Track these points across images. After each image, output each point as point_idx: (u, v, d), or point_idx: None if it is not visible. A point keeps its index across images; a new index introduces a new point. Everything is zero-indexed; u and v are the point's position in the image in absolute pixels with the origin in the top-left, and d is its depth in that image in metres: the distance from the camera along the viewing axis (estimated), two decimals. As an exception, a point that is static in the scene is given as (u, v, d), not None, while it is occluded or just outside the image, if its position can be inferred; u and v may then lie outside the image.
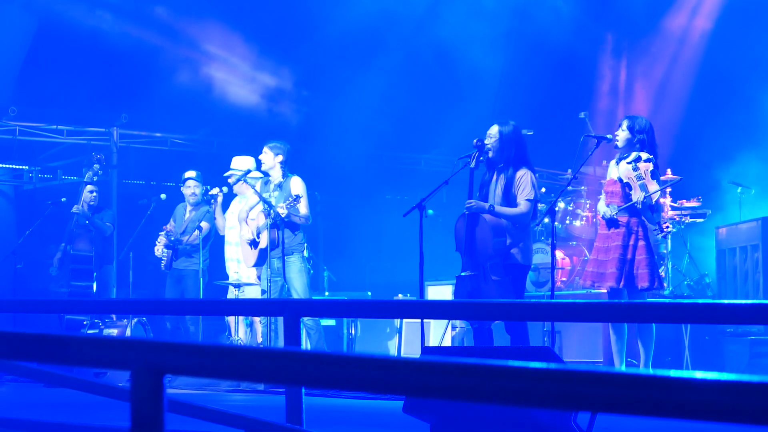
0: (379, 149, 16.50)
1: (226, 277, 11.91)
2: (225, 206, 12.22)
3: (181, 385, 9.93)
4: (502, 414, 5.34)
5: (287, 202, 10.61)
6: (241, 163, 11.71)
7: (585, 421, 5.33)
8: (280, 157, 11.03)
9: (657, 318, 5.26)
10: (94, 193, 12.47)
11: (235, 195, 12.01)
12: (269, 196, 10.93)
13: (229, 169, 11.82)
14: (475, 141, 8.95)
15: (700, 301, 8.95)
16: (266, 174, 11.21)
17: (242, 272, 11.64)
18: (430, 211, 11.78)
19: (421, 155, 16.89)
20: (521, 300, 8.31)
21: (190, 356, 2.03)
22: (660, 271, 12.14)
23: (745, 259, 11.63)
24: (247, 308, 6.44)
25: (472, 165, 8.97)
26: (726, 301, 8.55)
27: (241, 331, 11.63)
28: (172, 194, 12.85)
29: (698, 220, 12.61)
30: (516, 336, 8.64)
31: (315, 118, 15.15)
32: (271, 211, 10.67)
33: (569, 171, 12.21)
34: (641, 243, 8.64)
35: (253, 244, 11.04)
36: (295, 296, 10.71)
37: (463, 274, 8.95)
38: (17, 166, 15.55)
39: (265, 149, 11.11)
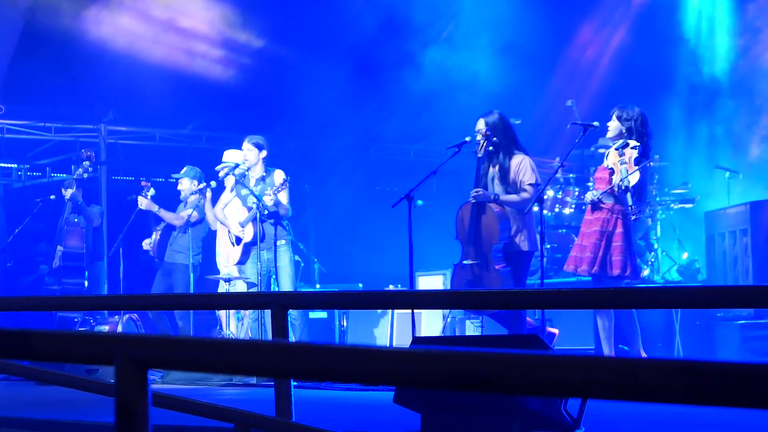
0: (368, 140, 16.51)
1: (218, 271, 11.91)
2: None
3: (173, 380, 9.94)
4: (492, 403, 5.35)
5: (274, 188, 10.67)
6: (232, 156, 11.68)
7: (575, 408, 5.34)
8: (264, 152, 11.06)
9: (647, 303, 5.26)
10: (72, 190, 12.39)
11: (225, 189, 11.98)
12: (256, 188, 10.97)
13: (219, 162, 11.81)
14: (483, 130, 9.00)
15: (690, 285, 8.99)
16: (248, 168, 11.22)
17: (232, 266, 11.62)
18: (420, 202, 11.78)
19: (410, 146, 16.90)
20: (509, 289, 8.31)
21: (174, 350, 2.03)
22: (649, 258, 12.21)
23: (734, 244, 11.65)
24: (234, 302, 6.43)
25: (480, 154, 9.03)
26: (716, 286, 8.58)
27: (232, 325, 11.62)
28: (161, 190, 12.84)
29: (687, 206, 12.65)
30: (514, 324, 8.68)
31: (304, 110, 15.13)
32: (258, 204, 10.74)
33: (557, 159, 12.23)
34: (618, 230, 8.64)
35: (237, 241, 11.06)
36: (283, 287, 10.74)
37: (465, 262, 8.97)
38: (6, 165, 15.54)
39: (248, 145, 11.09)
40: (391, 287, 13.50)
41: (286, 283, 10.85)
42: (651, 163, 8.83)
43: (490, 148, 8.97)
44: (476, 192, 8.87)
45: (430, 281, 13.11)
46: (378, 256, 14.83)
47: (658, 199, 12.37)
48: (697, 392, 1.52)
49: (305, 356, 1.94)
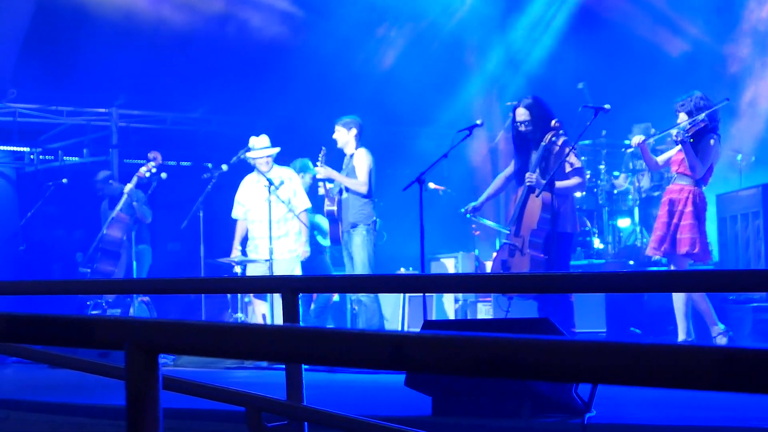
0: (379, 123, 16.46)
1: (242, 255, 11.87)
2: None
3: (185, 363, 9.97)
4: (503, 386, 5.35)
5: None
6: (256, 142, 11.67)
7: (586, 391, 5.34)
8: (354, 131, 11.09)
9: (659, 287, 5.25)
10: (131, 185, 12.33)
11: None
12: (344, 170, 11.07)
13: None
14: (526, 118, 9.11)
15: (703, 269, 8.96)
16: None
17: (274, 248, 11.47)
18: (431, 185, 11.78)
19: (420, 129, 16.85)
20: (518, 273, 8.33)
21: (183, 335, 2.03)
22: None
23: (746, 227, 11.61)
24: (245, 285, 6.44)
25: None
26: (728, 270, 8.56)
27: (262, 307, 11.54)
28: (172, 173, 12.86)
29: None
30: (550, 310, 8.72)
31: (314, 93, 15.10)
32: (271, 188, 10.87)
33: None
34: (688, 209, 8.79)
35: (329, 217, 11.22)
36: (354, 270, 10.74)
37: (504, 241, 9.15)
38: (18, 149, 15.56)
39: (337, 126, 11.16)
40: (402, 270, 13.51)
41: (354, 267, 10.84)
42: (714, 137, 8.88)
43: (528, 131, 9.06)
44: (530, 178, 8.90)
45: (442, 264, 13.12)
46: (389, 239, 14.84)
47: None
48: (707, 377, 1.51)
49: (313, 341, 1.94)
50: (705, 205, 8.98)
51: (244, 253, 11.56)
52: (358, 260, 10.78)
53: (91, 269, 12.22)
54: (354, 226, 10.83)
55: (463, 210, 9.52)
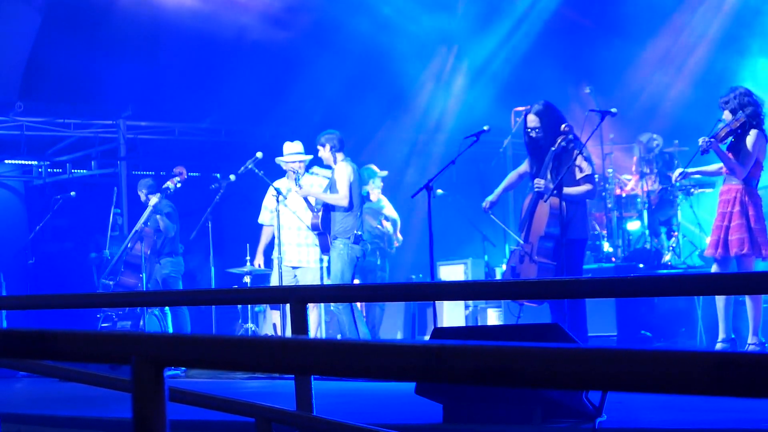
0: (386, 130, 16.48)
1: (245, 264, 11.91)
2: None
3: (196, 374, 9.97)
4: (514, 392, 5.34)
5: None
6: (290, 148, 11.67)
7: (597, 396, 5.33)
8: (328, 146, 11.10)
9: (670, 290, 5.22)
10: (155, 199, 12.31)
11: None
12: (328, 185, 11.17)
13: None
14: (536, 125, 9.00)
15: (712, 272, 8.94)
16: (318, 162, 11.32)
17: (302, 257, 11.54)
18: (439, 191, 11.79)
19: (428, 135, 16.84)
20: (527, 279, 8.30)
21: (189, 348, 2.03)
22: (671, 243, 12.15)
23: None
24: (253, 296, 6.43)
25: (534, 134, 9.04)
26: (741, 272, 8.52)
27: (274, 317, 11.63)
28: (183, 182, 12.87)
29: (707, 190, 12.57)
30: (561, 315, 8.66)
31: (322, 101, 15.12)
32: (279, 197, 10.90)
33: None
34: (737, 209, 8.71)
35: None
36: (328, 281, 10.82)
37: (514, 247, 9.11)
38: (26, 162, 15.60)
39: (318, 145, 11.20)
40: (413, 277, 13.51)
41: (329, 277, 10.98)
42: (755, 132, 8.79)
43: (539, 137, 8.95)
44: (538, 184, 8.82)
45: (451, 271, 13.10)
46: (399, 246, 14.87)
47: (677, 184, 12.30)
48: (718, 383, 1.51)
49: (319, 353, 1.94)
50: (757, 200, 8.83)
51: (268, 259, 11.63)
52: (332, 272, 10.97)
53: (114, 282, 12.25)
54: (335, 238, 10.97)
55: (483, 204, 9.37)
